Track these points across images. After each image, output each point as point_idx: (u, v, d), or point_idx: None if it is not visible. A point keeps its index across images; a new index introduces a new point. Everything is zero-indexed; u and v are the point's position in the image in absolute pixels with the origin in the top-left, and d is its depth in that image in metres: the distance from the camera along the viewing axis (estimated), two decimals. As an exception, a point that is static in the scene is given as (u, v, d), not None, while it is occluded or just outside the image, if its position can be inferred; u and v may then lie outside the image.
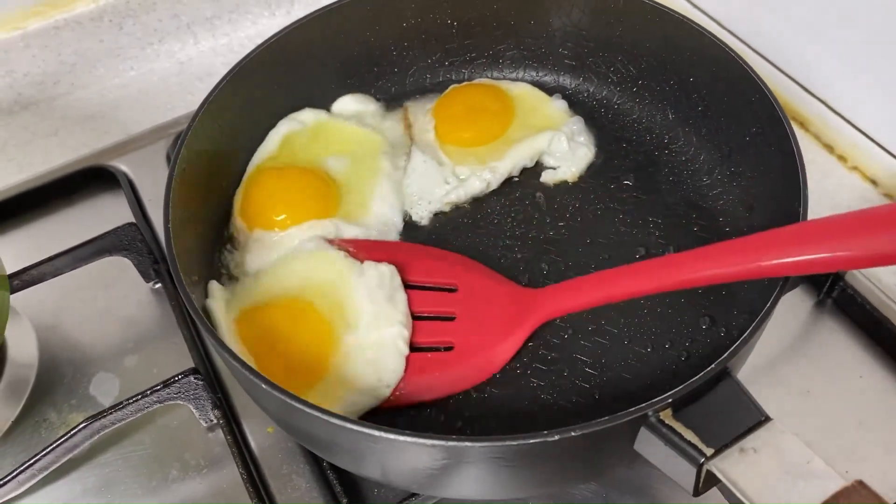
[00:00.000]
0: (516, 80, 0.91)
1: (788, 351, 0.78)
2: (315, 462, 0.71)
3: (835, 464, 0.69)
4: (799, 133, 0.77)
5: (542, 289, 0.71)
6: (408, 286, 0.72)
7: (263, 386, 0.55)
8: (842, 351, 0.78)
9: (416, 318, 0.71)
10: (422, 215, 0.81)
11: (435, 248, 0.77)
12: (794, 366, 0.76)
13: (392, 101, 0.90)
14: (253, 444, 0.73)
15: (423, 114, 0.87)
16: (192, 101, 1.04)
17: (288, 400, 0.54)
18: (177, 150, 0.69)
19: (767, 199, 0.73)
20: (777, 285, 0.60)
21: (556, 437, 0.51)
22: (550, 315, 0.70)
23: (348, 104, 0.88)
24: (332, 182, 0.80)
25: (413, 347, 0.69)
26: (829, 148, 0.95)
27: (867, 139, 0.91)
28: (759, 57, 0.98)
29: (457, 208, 0.82)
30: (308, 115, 0.85)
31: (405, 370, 0.68)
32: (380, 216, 0.79)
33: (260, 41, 0.80)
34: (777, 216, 0.70)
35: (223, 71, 0.78)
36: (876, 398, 0.74)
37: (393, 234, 0.79)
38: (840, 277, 0.79)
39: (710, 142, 0.81)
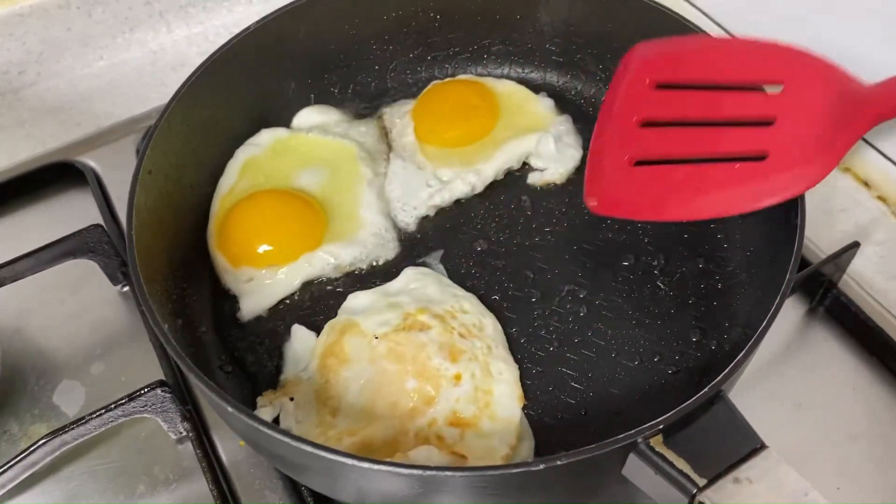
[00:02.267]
0: (501, 76, 0.89)
1: (779, 361, 0.76)
2: (289, 478, 0.68)
3: (827, 480, 0.68)
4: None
5: (878, 84, 0.59)
6: (722, 86, 0.62)
7: (230, 409, 0.52)
8: (834, 361, 0.76)
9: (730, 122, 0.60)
10: (407, 221, 0.78)
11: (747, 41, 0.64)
12: (786, 377, 0.74)
13: (373, 98, 0.88)
14: (224, 457, 0.70)
15: (400, 117, 0.84)
16: (165, 92, 0.99)
17: (258, 426, 0.52)
18: (138, 163, 0.66)
19: (761, 206, 0.71)
20: (773, 299, 0.57)
21: (542, 467, 0.48)
22: (875, 122, 0.58)
23: (309, 116, 0.85)
24: (314, 201, 0.77)
25: (719, 158, 0.59)
26: (822, 148, 0.92)
27: (861, 140, 0.89)
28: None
29: (441, 212, 0.79)
30: (265, 137, 0.82)
31: (698, 188, 0.59)
32: (371, 227, 0.76)
33: (236, 30, 0.77)
34: (771, 223, 0.68)
35: (198, 60, 0.75)
36: (868, 411, 0.73)
37: (391, 244, 0.76)
38: (833, 284, 0.77)
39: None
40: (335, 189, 0.78)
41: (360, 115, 0.86)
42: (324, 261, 0.74)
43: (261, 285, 0.73)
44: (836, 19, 0.85)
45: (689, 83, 0.64)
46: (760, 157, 0.59)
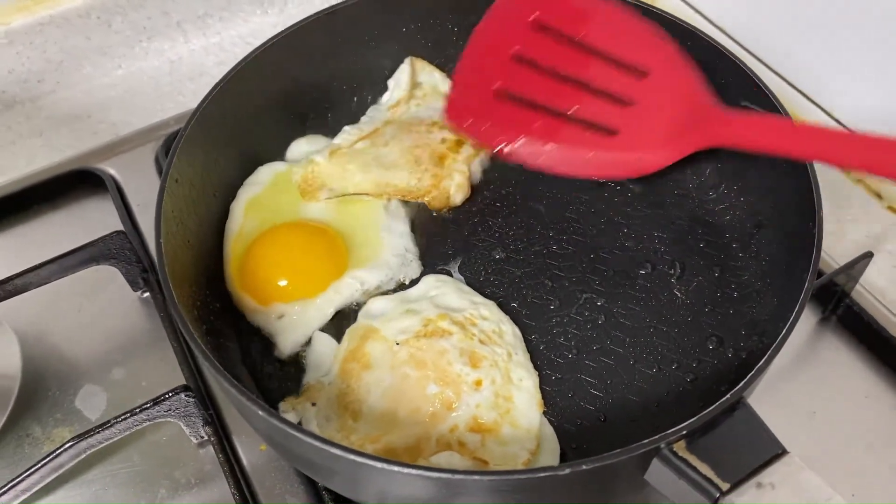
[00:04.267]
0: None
1: (793, 369, 0.76)
2: (309, 482, 0.69)
3: (841, 488, 0.68)
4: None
5: (729, 112, 0.63)
6: (598, 52, 0.64)
7: (259, 412, 0.53)
8: (847, 369, 0.76)
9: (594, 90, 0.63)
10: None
11: (648, 24, 0.66)
12: (799, 385, 0.75)
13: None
14: (245, 462, 0.71)
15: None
16: (182, 101, 1.01)
17: (285, 427, 0.52)
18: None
19: (777, 216, 0.72)
20: (791, 307, 0.58)
21: (567, 471, 0.49)
22: (729, 144, 0.61)
23: (302, 147, 0.84)
24: (331, 229, 0.77)
25: (578, 119, 0.62)
26: (833, 160, 0.93)
27: (872, 151, 0.90)
28: (761, 64, 0.96)
29: (457, 222, 0.80)
30: (264, 174, 0.80)
31: (548, 140, 0.62)
32: (392, 248, 0.76)
33: (253, 40, 0.78)
34: (787, 233, 0.69)
35: (215, 71, 0.76)
36: (883, 418, 0.73)
37: (413, 263, 0.76)
38: (846, 294, 0.78)
39: (715, 155, 0.79)
40: (349, 216, 0.78)
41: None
42: (352, 287, 0.73)
43: (292, 321, 0.72)
44: (838, 27, 0.86)
45: (566, 34, 0.65)
46: (612, 132, 0.63)
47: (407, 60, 0.87)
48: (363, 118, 0.86)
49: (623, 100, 0.64)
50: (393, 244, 0.76)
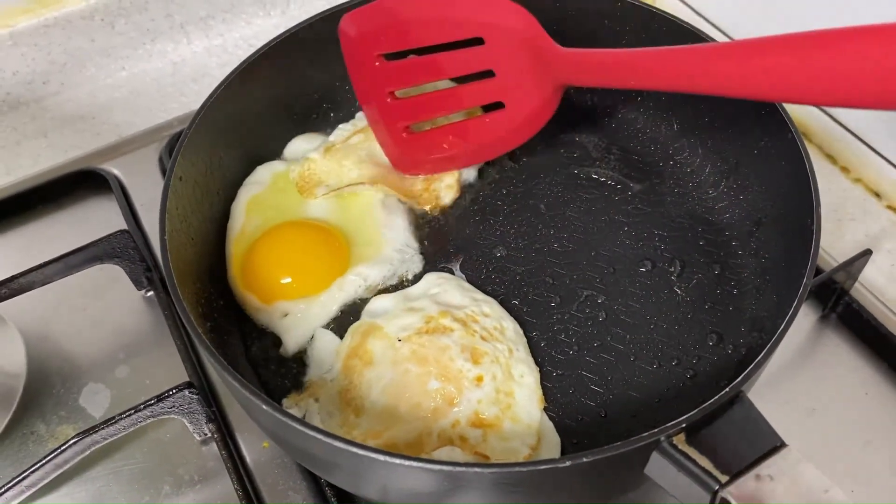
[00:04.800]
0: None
1: (792, 367, 0.77)
2: (312, 478, 0.69)
3: (841, 482, 0.69)
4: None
5: (565, 51, 0.67)
6: (433, 48, 0.69)
7: (264, 406, 0.53)
8: (847, 367, 0.77)
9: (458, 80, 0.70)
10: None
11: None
12: (799, 383, 0.76)
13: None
14: (248, 458, 0.71)
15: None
16: (185, 102, 1.02)
17: (288, 421, 0.53)
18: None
19: (776, 214, 0.72)
20: (789, 302, 0.59)
21: (568, 464, 0.49)
22: (576, 83, 0.68)
23: (299, 146, 0.84)
24: (332, 227, 0.77)
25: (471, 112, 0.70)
26: (833, 159, 0.94)
27: (871, 150, 0.90)
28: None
29: (460, 220, 0.80)
30: (263, 173, 0.81)
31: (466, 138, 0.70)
32: (393, 243, 0.76)
33: (255, 42, 0.79)
34: (786, 231, 0.69)
35: (217, 72, 0.77)
36: (882, 415, 0.74)
37: (415, 257, 0.76)
38: (845, 292, 0.78)
39: (715, 153, 0.80)
40: (348, 214, 0.78)
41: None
42: (355, 283, 0.74)
43: (297, 319, 0.72)
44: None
45: (406, 48, 0.71)
46: (501, 106, 0.70)
47: None
48: (358, 114, 0.86)
49: (484, 73, 0.69)
50: (393, 239, 0.77)
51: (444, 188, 0.81)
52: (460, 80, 0.73)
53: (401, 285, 0.75)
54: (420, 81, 0.72)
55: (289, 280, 0.73)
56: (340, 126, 0.85)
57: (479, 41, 0.68)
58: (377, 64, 0.72)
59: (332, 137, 0.84)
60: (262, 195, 0.80)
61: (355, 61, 0.74)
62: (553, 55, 0.67)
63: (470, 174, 0.83)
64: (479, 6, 0.68)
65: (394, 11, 0.71)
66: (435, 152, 0.75)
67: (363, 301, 0.74)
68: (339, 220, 0.78)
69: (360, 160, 0.80)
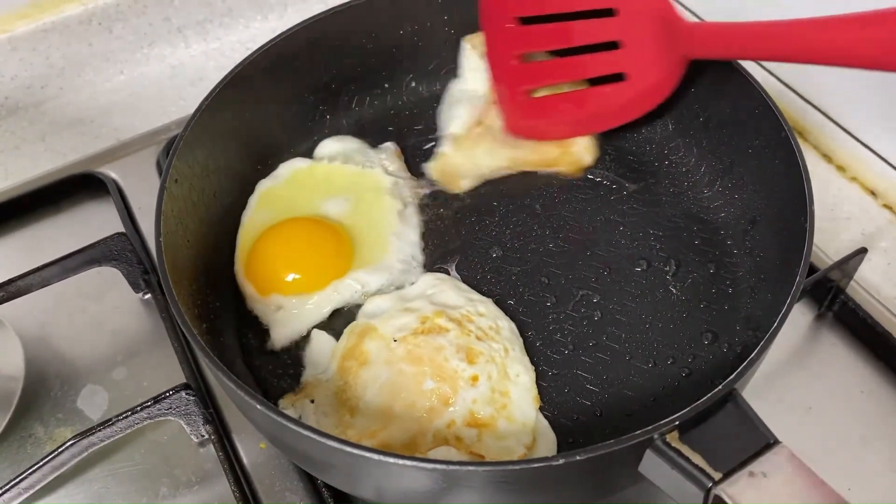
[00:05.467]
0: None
1: (789, 365, 0.77)
2: (309, 479, 0.69)
3: (837, 482, 0.69)
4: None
5: (697, 25, 0.70)
6: (564, 16, 0.72)
7: (259, 407, 0.53)
8: (843, 365, 0.77)
9: (581, 49, 0.72)
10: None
11: None
12: (795, 381, 0.76)
13: (388, 111, 0.90)
14: (245, 459, 0.71)
15: None
16: (184, 106, 1.02)
17: (283, 421, 0.53)
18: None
19: (770, 213, 0.72)
20: (783, 300, 0.59)
21: (561, 462, 0.49)
22: (705, 55, 0.69)
23: (330, 146, 0.85)
24: (340, 228, 0.77)
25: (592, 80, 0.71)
26: (828, 158, 0.94)
27: (867, 149, 0.90)
28: (757, 66, 0.97)
29: (456, 220, 0.80)
30: (284, 169, 0.82)
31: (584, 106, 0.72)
32: (399, 253, 0.76)
33: (253, 45, 0.79)
34: (780, 229, 0.69)
35: (215, 76, 0.76)
36: (878, 414, 0.74)
37: (417, 270, 0.76)
38: (841, 290, 0.78)
39: (710, 153, 0.80)
40: (361, 216, 0.78)
41: (376, 143, 0.86)
42: (352, 288, 0.74)
43: (290, 315, 0.73)
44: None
45: (542, 14, 0.73)
46: (622, 77, 0.71)
47: (463, 41, 0.86)
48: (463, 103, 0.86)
49: (613, 44, 0.71)
50: (400, 250, 0.77)
51: (583, 149, 0.81)
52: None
53: (397, 288, 0.75)
54: (549, 47, 0.74)
55: (285, 275, 0.74)
56: (455, 113, 0.86)
57: (610, 12, 0.71)
58: (510, 26, 0.74)
59: (452, 129, 0.85)
60: (277, 189, 0.80)
61: (490, 21, 0.77)
62: (682, 28, 0.69)
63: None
64: None
65: None
66: (552, 117, 0.77)
67: (359, 305, 0.74)
68: (351, 221, 0.78)
69: (490, 148, 0.82)
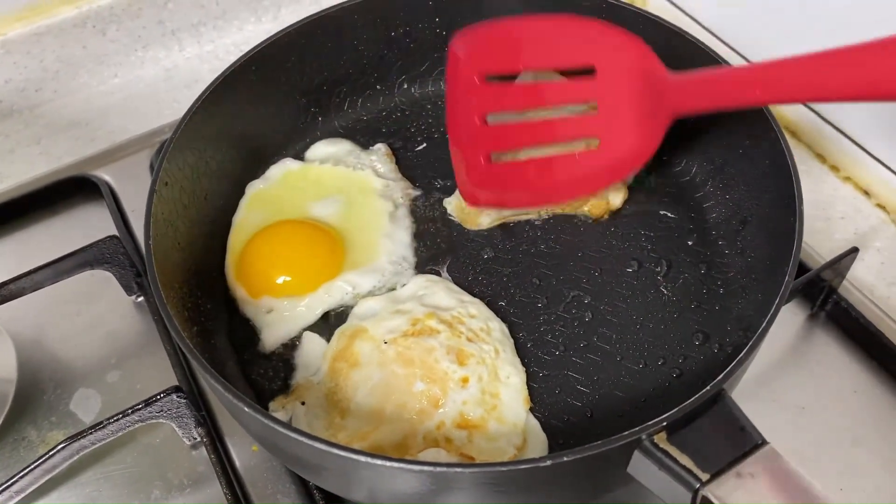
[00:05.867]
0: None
1: (781, 365, 0.77)
2: (301, 481, 0.69)
3: (830, 481, 0.69)
4: (791, 143, 0.76)
5: (681, 76, 0.63)
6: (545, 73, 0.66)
7: (248, 410, 0.53)
8: (836, 365, 0.77)
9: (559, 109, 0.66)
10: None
11: (561, 17, 0.66)
12: (788, 381, 0.76)
13: (381, 113, 0.90)
14: (237, 462, 0.71)
15: None
16: (178, 108, 1.01)
17: (272, 424, 0.53)
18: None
19: (761, 213, 0.72)
20: (773, 300, 0.59)
21: (549, 463, 0.49)
22: (692, 110, 0.63)
23: (321, 149, 0.85)
24: (332, 230, 0.77)
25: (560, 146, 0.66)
26: (822, 158, 0.94)
27: (860, 149, 0.90)
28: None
29: (447, 222, 0.80)
30: (275, 171, 0.82)
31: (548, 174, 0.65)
32: (390, 255, 0.76)
33: (246, 48, 0.79)
34: (771, 229, 0.69)
35: (209, 78, 0.77)
36: (871, 413, 0.74)
37: (408, 271, 0.76)
38: (834, 290, 0.78)
39: (702, 154, 0.80)
40: (352, 218, 0.78)
41: (368, 145, 0.86)
42: (343, 290, 0.74)
43: (281, 317, 0.73)
44: (828, 29, 0.87)
45: (515, 71, 0.67)
46: (592, 142, 0.66)
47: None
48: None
49: (586, 106, 0.65)
50: (391, 251, 0.77)
51: (613, 190, 0.78)
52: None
53: (389, 290, 0.75)
54: (519, 108, 0.67)
55: (277, 277, 0.74)
56: None
57: (589, 70, 0.64)
58: (478, 83, 0.67)
59: None
60: (266, 191, 0.80)
61: (457, 79, 0.69)
62: (669, 85, 0.63)
63: None
64: (595, 33, 0.65)
65: (507, 30, 0.67)
66: (514, 185, 0.70)
67: (350, 307, 0.74)
68: (342, 222, 0.78)
69: None
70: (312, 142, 0.86)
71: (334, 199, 0.80)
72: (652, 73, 0.63)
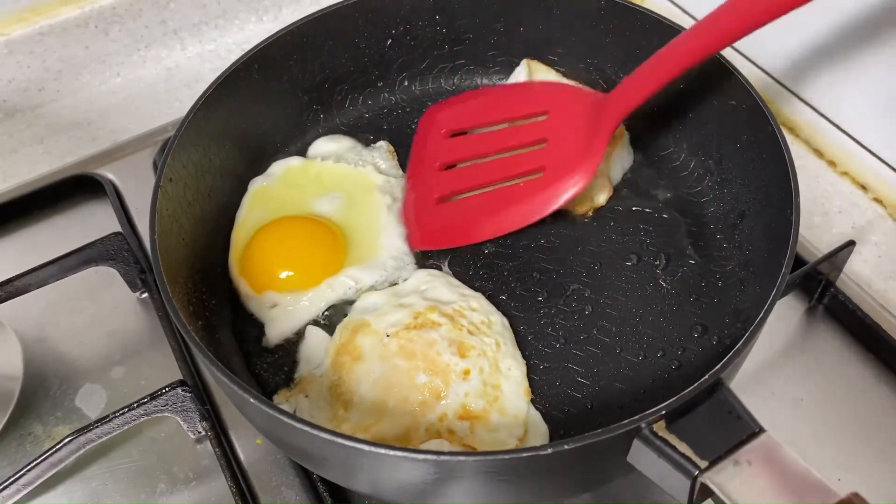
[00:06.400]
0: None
1: (780, 358, 0.77)
2: (305, 474, 0.70)
3: (828, 472, 0.69)
4: (789, 138, 0.77)
5: (610, 92, 0.72)
6: (503, 122, 0.74)
7: (253, 402, 0.54)
8: (834, 358, 0.77)
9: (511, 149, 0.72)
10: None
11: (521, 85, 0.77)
12: (786, 373, 0.76)
13: (382, 110, 0.91)
14: (242, 456, 0.72)
15: None
16: (179, 107, 1.03)
17: (276, 415, 0.54)
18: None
19: (759, 207, 0.73)
20: (770, 293, 0.59)
21: (549, 451, 0.50)
22: (626, 112, 0.70)
23: (322, 146, 0.86)
24: (334, 225, 0.78)
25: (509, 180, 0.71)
26: (819, 153, 0.95)
27: (857, 144, 0.91)
28: (748, 62, 0.98)
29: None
30: (277, 168, 0.83)
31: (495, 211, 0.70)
32: (391, 250, 0.77)
33: (247, 46, 0.80)
34: (768, 223, 0.70)
35: (211, 77, 0.77)
36: (868, 406, 0.74)
37: (409, 266, 0.77)
38: (831, 283, 0.79)
39: (700, 148, 0.81)
40: (353, 214, 0.79)
41: (370, 142, 0.87)
42: (345, 285, 0.74)
43: (285, 311, 0.73)
44: (826, 24, 0.87)
45: (475, 127, 0.75)
46: (539, 172, 0.71)
47: (524, 63, 0.86)
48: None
49: (537, 142, 0.71)
50: (391, 246, 0.77)
51: (598, 188, 0.79)
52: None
53: (391, 285, 0.76)
54: (480, 155, 0.74)
55: (279, 272, 0.74)
56: None
57: (539, 114, 0.73)
58: (443, 136, 0.75)
59: None
60: (269, 187, 0.81)
61: (424, 135, 0.78)
62: (606, 103, 0.71)
63: (616, 172, 0.81)
64: (550, 89, 0.75)
65: (475, 96, 0.77)
66: (464, 222, 0.74)
67: (352, 302, 0.75)
68: (343, 219, 0.79)
69: None
70: (315, 138, 0.87)
71: (335, 196, 0.80)
72: (592, 103, 0.71)
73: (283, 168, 0.83)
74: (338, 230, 0.78)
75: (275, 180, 0.82)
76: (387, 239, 0.78)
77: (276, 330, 0.73)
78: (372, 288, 0.75)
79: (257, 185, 0.81)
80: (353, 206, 0.80)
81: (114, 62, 1.06)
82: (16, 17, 0.98)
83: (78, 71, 1.04)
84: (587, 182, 0.70)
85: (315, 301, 0.74)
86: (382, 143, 0.86)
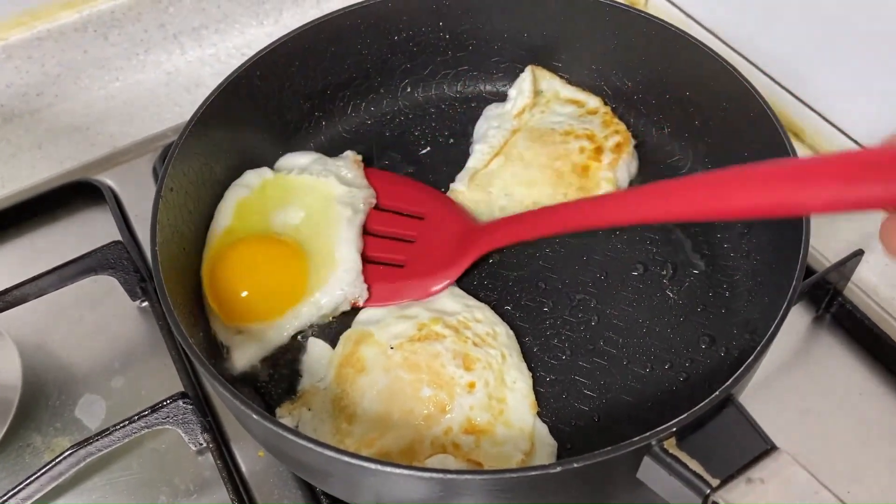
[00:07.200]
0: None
1: (787, 368, 0.77)
2: (307, 487, 0.69)
3: (836, 483, 0.68)
4: (795, 143, 0.76)
5: (484, 224, 0.77)
6: (384, 209, 0.81)
7: (255, 417, 0.53)
8: (841, 367, 0.77)
9: (382, 236, 0.79)
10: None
11: (421, 184, 0.84)
12: (793, 383, 0.76)
13: (385, 116, 0.90)
14: (243, 468, 0.71)
15: None
16: (179, 112, 1.02)
17: (279, 430, 0.53)
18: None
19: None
20: (781, 304, 0.59)
21: (558, 469, 0.49)
22: (490, 246, 0.75)
23: (296, 160, 0.83)
24: (297, 246, 0.75)
25: (371, 259, 0.76)
26: (825, 159, 0.94)
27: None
28: (754, 68, 0.97)
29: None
30: (252, 178, 0.80)
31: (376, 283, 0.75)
32: (347, 262, 0.74)
33: (248, 51, 0.80)
34: (776, 233, 0.69)
35: (211, 82, 0.77)
36: (876, 416, 0.74)
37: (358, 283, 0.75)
38: (839, 292, 0.78)
39: (707, 157, 0.80)
40: (314, 228, 0.77)
41: (371, 149, 0.86)
42: (308, 313, 0.73)
43: (250, 339, 0.72)
44: (831, 30, 0.87)
45: (388, 209, 0.82)
46: (400, 265, 0.77)
47: (528, 69, 0.87)
48: (490, 131, 0.85)
49: (406, 239, 0.79)
50: (348, 259, 0.75)
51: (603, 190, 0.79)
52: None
53: (353, 312, 0.74)
54: (380, 231, 0.80)
55: (240, 308, 0.72)
56: (476, 147, 0.84)
57: (420, 217, 0.81)
58: (374, 209, 0.82)
59: (470, 163, 0.83)
60: (249, 199, 0.79)
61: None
62: (478, 233, 0.76)
63: (623, 179, 0.81)
64: (434, 195, 0.82)
65: (396, 181, 0.85)
66: (376, 285, 0.77)
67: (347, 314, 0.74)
68: (303, 233, 0.76)
69: (506, 187, 0.80)
70: (316, 146, 0.86)
71: (298, 210, 0.78)
72: (466, 227, 0.78)
73: (259, 178, 0.80)
74: (300, 251, 0.75)
75: (253, 192, 0.79)
76: (344, 252, 0.75)
77: (243, 356, 0.71)
78: (335, 309, 0.73)
79: (237, 195, 0.78)
80: (315, 219, 0.77)
81: (113, 67, 1.05)
82: (14, 22, 0.98)
83: (77, 75, 1.03)
84: (441, 290, 0.74)
85: (281, 329, 0.72)
86: (348, 153, 0.84)
